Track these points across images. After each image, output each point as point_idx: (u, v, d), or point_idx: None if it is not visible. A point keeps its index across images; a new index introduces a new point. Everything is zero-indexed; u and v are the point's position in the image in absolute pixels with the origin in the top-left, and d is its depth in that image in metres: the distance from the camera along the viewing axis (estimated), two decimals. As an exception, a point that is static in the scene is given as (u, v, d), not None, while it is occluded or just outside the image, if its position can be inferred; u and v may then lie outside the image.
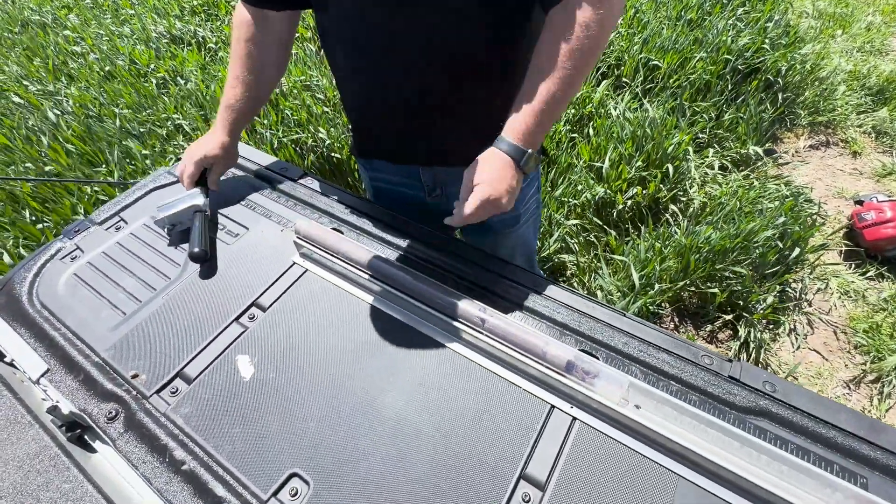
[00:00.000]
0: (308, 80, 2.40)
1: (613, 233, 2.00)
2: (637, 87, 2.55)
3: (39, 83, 2.48)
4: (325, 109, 2.25)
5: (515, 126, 0.70)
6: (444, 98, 0.84)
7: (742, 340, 1.73)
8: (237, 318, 0.79)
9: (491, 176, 0.70)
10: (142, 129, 2.17)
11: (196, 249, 0.83)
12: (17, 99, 2.30)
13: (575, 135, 2.34)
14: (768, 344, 1.78)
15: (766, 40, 2.74)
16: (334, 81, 0.99)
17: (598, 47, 0.67)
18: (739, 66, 2.64)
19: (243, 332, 0.77)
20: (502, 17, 0.74)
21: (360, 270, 0.80)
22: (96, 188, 1.94)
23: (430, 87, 0.83)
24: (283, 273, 0.85)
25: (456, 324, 0.73)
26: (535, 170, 1.05)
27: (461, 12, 0.72)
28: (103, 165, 2.01)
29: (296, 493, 0.60)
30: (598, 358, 0.70)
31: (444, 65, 0.79)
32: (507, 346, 0.69)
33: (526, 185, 1.04)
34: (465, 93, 0.83)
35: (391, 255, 0.88)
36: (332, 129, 2.16)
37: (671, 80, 2.54)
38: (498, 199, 0.70)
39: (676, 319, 1.85)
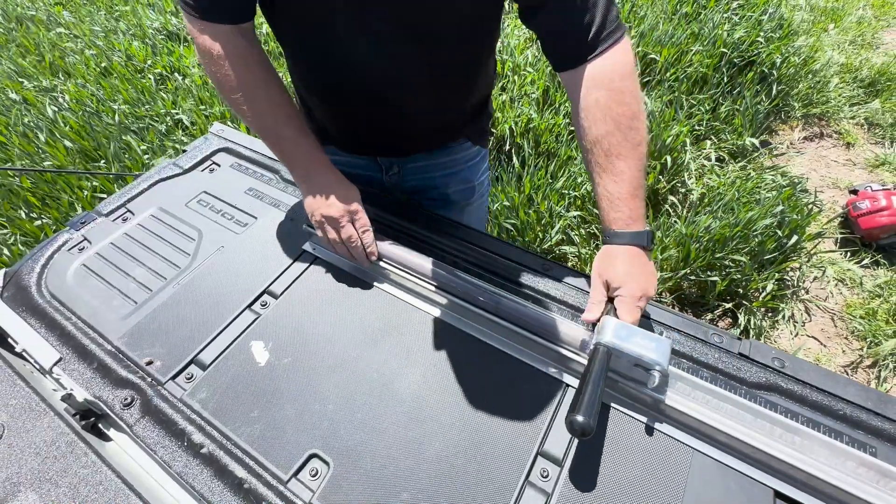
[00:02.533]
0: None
1: (613, 224, 2.02)
2: (634, 80, 2.56)
3: (35, 79, 2.45)
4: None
5: (623, 215, 0.68)
6: (429, 109, 0.88)
7: (742, 328, 1.75)
8: (250, 306, 0.79)
9: (633, 272, 0.67)
10: (140, 125, 2.15)
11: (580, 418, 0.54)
12: (13, 95, 2.28)
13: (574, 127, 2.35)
14: (767, 331, 1.80)
15: (761, 33, 2.76)
16: (290, 77, 0.96)
17: (643, 107, 0.70)
18: (735, 60, 2.67)
19: (256, 319, 0.78)
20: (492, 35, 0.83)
21: (385, 263, 0.81)
22: (95, 183, 1.93)
23: (420, 101, 0.86)
24: (294, 260, 0.86)
25: (470, 306, 0.73)
26: (485, 160, 1.10)
27: (463, 35, 0.77)
28: (102, 161, 2.00)
29: (316, 474, 0.60)
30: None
31: (439, 83, 0.84)
32: (521, 326, 0.70)
33: (479, 159, 1.08)
34: (448, 101, 0.89)
35: (402, 240, 0.88)
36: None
37: (668, 74, 2.56)
38: (650, 293, 0.67)
39: (677, 308, 1.86)
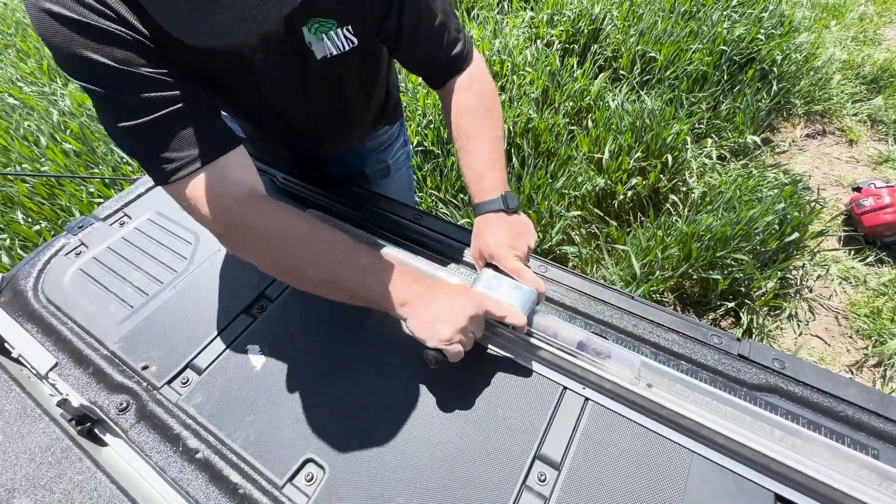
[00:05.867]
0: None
1: (614, 223, 2.01)
2: (634, 79, 2.55)
3: (35, 84, 2.46)
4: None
5: (483, 187, 0.78)
6: (342, 132, 0.99)
7: (745, 327, 1.74)
8: (245, 310, 0.79)
9: (500, 238, 0.74)
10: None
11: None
12: (11, 100, 2.29)
13: (574, 127, 2.34)
14: (770, 330, 1.79)
15: (761, 30, 2.74)
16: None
17: (497, 100, 0.83)
18: (735, 57, 2.65)
19: (252, 323, 0.77)
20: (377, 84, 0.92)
21: None
22: (91, 189, 1.93)
23: (335, 132, 0.97)
24: (290, 263, 0.85)
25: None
26: (403, 131, 1.18)
27: (356, 98, 0.89)
28: (100, 165, 2.00)
29: (311, 479, 0.60)
30: (608, 339, 0.71)
31: (350, 117, 0.94)
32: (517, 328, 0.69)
33: (394, 139, 1.15)
34: (358, 119, 0.98)
35: (398, 244, 0.88)
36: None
37: (668, 72, 2.55)
38: (521, 250, 0.73)
39: (679, 308, 1.85)
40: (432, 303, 0.62)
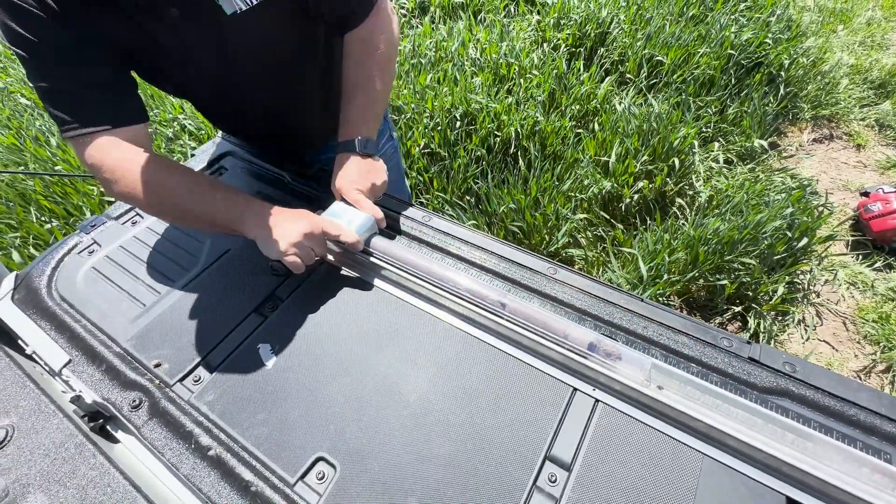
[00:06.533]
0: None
1: (621, 226, 2.01)
2: (641, 82, 2.56)
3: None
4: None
5: (347, 131, 0.87)
6: (293, 125, 1.03)
7: (752, 332, 1.73)
8: (256, 309, 0.80)
9: (352, 176, 0.84)
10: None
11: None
12: (24, 100, 2.31)
13: (580, 130, 2.35)
14: (777, 335, 1.78)
15: (769, 35, 2.74)
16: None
17: (391, 57, 0.88)
18: (742, 61, 2.65)
19: (263, 322, 0.78)
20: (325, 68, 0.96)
21: (378, 259, 0.81)
22: (102, 189, 1.95)
23: (306, 120, 1.03)
24: (301, 263, 0.86)
25: (476, 309, 0.73)
26: (388, 124, 1.23)
27: (305, 90, 0.95)
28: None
29: (323, 477, 0.60)
30: (618, 341, 0.71)
31: (307, 103, 1.00)
32: (527, 329, 0.70)
33: (380, 132, 1.20)
34: (303, 116, 1.03)
35: (407, 243, 0.88)
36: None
37: (675, 76, 2.55)
38: (365, 186, 0.84)
39: (686, 312, 1.85)
40: (276, 224, 0.75)
